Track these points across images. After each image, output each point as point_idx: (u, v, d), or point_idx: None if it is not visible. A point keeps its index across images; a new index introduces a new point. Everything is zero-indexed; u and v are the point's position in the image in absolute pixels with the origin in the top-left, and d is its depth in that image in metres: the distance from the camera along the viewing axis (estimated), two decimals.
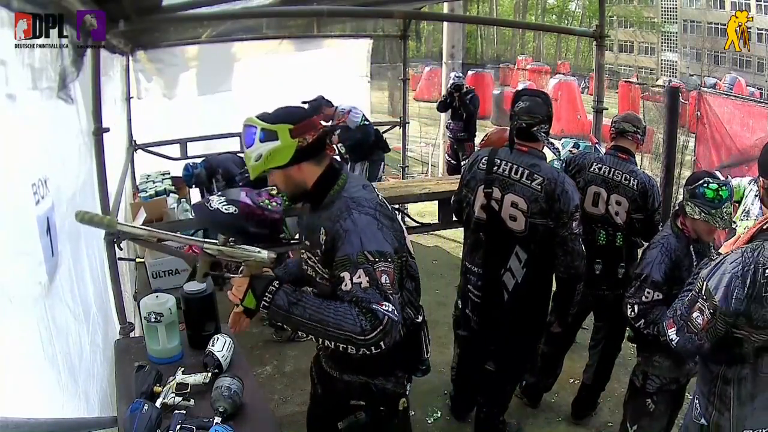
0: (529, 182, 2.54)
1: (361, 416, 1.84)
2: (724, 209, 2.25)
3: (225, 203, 1.55)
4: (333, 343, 1.51)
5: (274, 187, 1.73)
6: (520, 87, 7.09)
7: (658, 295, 2.32)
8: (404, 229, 1.77)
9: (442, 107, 6.96)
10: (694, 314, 1.68)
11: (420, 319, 1.83)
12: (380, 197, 1.73)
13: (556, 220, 2.51)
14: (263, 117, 1.64)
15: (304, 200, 1.76)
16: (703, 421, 1.77)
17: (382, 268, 1.52)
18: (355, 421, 1.85)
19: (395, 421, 1.87)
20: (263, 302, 1.54)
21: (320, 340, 1.53)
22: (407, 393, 1.88)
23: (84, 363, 1.78)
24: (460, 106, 6.63)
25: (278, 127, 1.61)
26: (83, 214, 1.52)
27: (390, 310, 1.49)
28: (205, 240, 1.62)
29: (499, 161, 2.62)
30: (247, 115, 1.73)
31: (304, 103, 4.66)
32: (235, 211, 1.53)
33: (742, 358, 1.64)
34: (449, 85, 6.72)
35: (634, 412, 2.60)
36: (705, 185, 2.25)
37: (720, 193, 2.23)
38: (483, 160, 2.67)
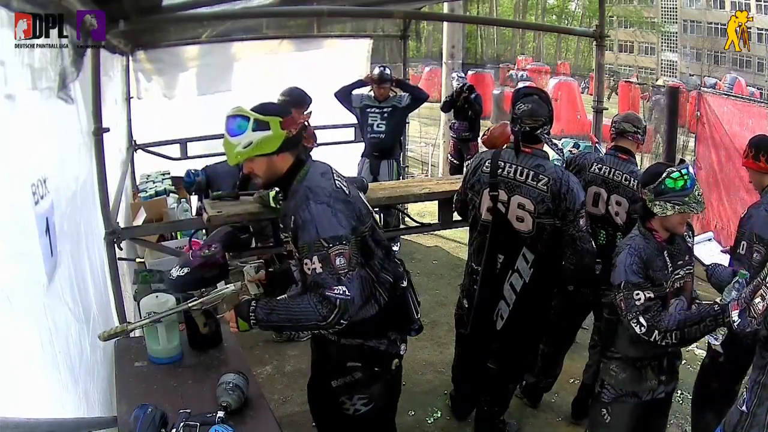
0: (534, 183, 2.54)
1: (357, 375, 2.08)
2: (696, 192, 2.13)
3: (179, 268, 1.88)
4: (308, 331, 1.90)
5: (212, 246, 2.03)
6: (519, 85, 7.04)
7: (648, 294, 2.14)
8: (366, 204, 2.03)
9: (447, 107, 6.92)
10: (756, 299, 1.74)
11: (404, 283, 2.08)
12: (337, 184, 1.92)
13: (563, 218, 2.54)
14: (254, 109, 1.89)
15: (277, 185, 2.00)
16: (744, 408, 1.81)
17: (338, 251, 1.78)
18: (351, 380, 2.09)
19: (388, 378, 2.12)
20: (251, 321, 1.85)
21: (299, 332, 1.95)
22: (401, 353, 2.11)
23: (84, 363, 1.78)
24: (467, 106, 6.61)
25: (270, 119, 1.86)
26: (105, 335, 1.81)
27: (341, 292, 1.76)
28: (187, 303, 1.90)
29: (503, 164, 2.61)
30: None
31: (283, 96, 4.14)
32: (189, 269, 1.87)
33: None
34: (459, 86, 6.66)
35: (592, 420, 2.54)
36: (667, 176, 2.13)
37: (684, 177, 2.12)
38: (487, 163, 2.67)
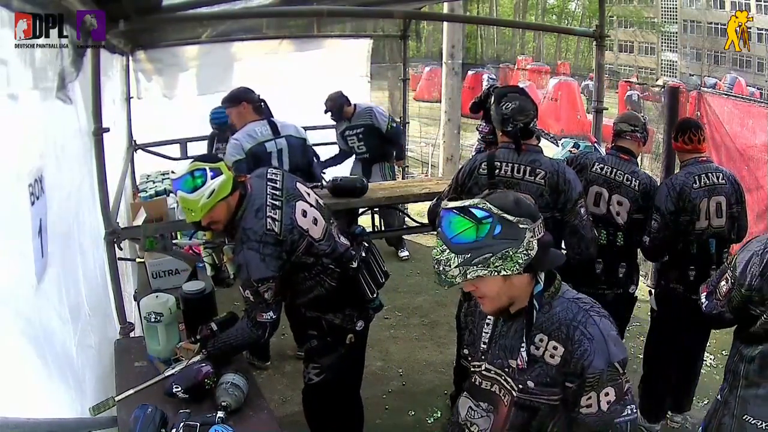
0: (532, 178, 2.56)
1: (313, 343, 2.37)
2: (437, 254, 1.27)
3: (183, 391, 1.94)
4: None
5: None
6: (501, 85, 6.90)
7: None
8: (301, 226, 2.18)
9: (476, 108, 6.85)
10: (722, 282, 1.80)
11: (354, 264, 2.30)
12: (268, 225, 2.09)
13: (562, 210, 2.55)
14: (202, 160, 2.10)
15: (227, 226, 2.16)
16: (719, 396, 1.84)
17: (264, 289, 2.07)
18: (309, 347, 2.40)
19: (341, 351, 2.35)
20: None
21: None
22: (357, 329, 2.35)
23: (76, 364, 1.76)
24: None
25: (219, 165, 2.09)
26: (95, 409, 1.83)
27: (269, 317, 2.11)
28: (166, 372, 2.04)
29: (499, 164, 2.61)
30: None
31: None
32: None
33: (757, 338, 1.71)
34: (488, 86, 6.62)
35: None
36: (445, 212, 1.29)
37: (451, 223, 1.26)
38: (483, 166, 2.65)
